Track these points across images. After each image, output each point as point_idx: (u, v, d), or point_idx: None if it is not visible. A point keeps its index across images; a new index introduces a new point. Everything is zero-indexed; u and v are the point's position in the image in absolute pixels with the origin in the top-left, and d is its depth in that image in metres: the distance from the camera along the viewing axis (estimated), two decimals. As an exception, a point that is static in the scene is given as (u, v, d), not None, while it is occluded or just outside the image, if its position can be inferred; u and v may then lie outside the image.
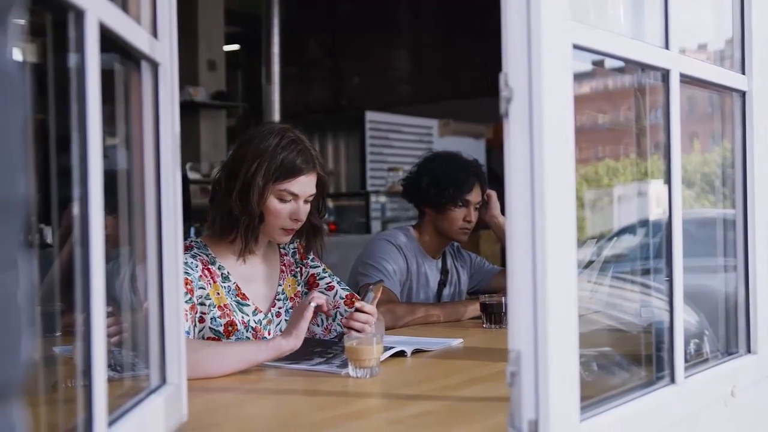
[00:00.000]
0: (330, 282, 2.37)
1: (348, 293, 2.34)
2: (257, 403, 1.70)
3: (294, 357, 2.02)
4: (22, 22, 0.63)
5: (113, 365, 1.34)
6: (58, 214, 1.06)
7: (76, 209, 0.98)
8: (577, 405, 1.21)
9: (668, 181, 1.50)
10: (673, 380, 1.49)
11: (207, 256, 2.19)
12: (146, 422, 1.21)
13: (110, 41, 1.10)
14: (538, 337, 1.15)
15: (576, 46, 1.22)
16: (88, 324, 0.99)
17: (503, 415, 1.20)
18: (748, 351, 1.79)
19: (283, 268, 2.35)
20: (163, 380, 1.35)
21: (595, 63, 1.46)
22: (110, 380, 1.06)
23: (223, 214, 2.17)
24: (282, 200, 2.16)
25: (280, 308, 2.30)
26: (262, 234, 2.22)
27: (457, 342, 2.32)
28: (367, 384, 1.80)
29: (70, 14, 0.97)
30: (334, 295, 2.32)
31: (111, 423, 1.07)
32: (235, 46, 10.14)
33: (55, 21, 1.00)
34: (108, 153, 1.13)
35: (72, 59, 0.98)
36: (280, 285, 2.32)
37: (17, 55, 0.61)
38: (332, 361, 1.98)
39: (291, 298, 2.34)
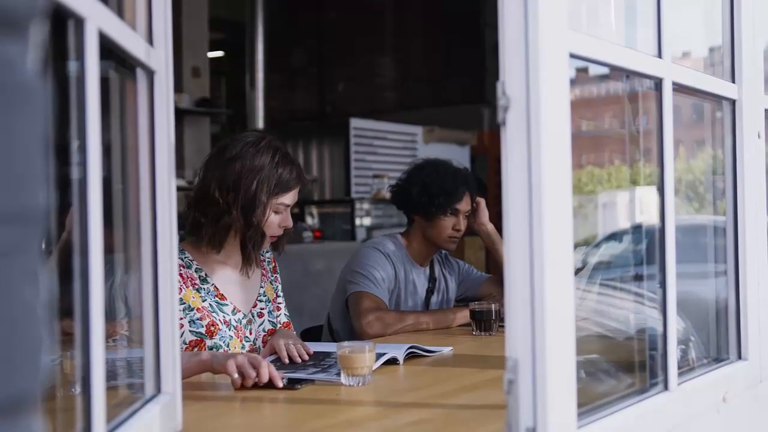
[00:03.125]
0: (280, 303, 2.47)
1: (287, 320, 2.45)
2: (251, 412, 1.69)
3: (288, 367, 2.01)
4: (42, 32, 0.63)
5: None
6: (56, 223, 1.05)
7: (75, 218, 0.98)
8: (575, 412, 1.21)
9: (661, 188, 1.51)
10: (666, 387, 1.50)
11: (182, 260, 2.20)
12: (142, 432, 1.20)
13: (106, 48, 1.09)
14: (535, 345, 1.15)
15: (573, 55, 1.23)
16: (87, 333, 0.98)
17: (499, 422, 1.20)
18: (739, 357, 1.80)
19: (264, 272, 2.42)
20: (158, 389, 1.34)
21: (579, 69, 1.46)
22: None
23: (221, 229, 2.21)
24: (277, 212, 2.25)
25: (262, 309, 2.36)
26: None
27: (447, 350, 2.32)
28: (359, 392, 1.80)
29: (70, 22, 0.97)
30: (277, 317, 2.41)
31: (108, 433, 1.06)
32: (220, 53, 10.13)
33: (54, 28, 1.00)
34: (102, 160, 1.13)
35: (71, 66, 0.98)
36: (261, 287, 2.39)
37: (37, 65, 0.61)
38: (328, 371, 1.97)
39: (272, 300, 2.41)
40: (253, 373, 1.79)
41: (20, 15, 0.58)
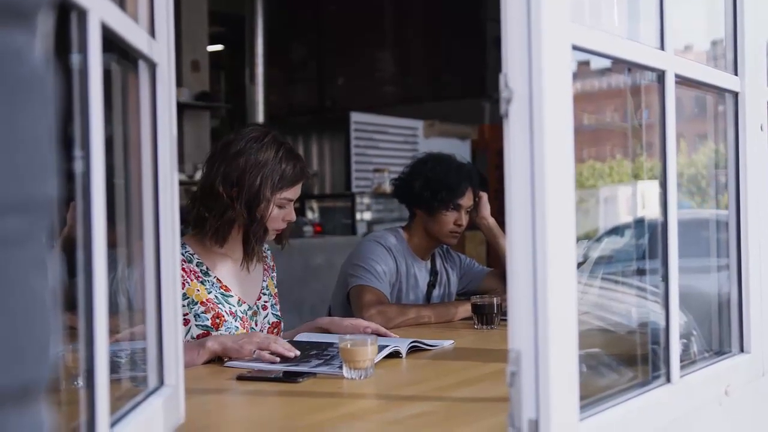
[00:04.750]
0: (275, 302, 2.47)
1: (276, 320, 2.43)
2: (253, 404, 1.69)
3: (290, 359, 2.01)
4: (50, 21, 0.63)
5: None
6: (58, 218, 1.05)
7: (78, 211, 0.97)
8: (577, 404, 1.21)
9: (664, 181, 1.51)
10: (668, 380, 1.50)
11: (183, 255, 2.22)
12: (146, 424, 1.20)
13: (109, 41, 1.09)
14: (538, 337, 1.15)
15: (575, 47, 1.23)
16: (90, 326, 0.98)
17: (501, 415, 1.20)
18: (741, 351, 1.80)
19: (265, 267, 2.45)
20: (161, 382, 1.34)
21: (581, 63, 1.46)
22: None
23: (225, 223, 2.21)
24: (280, 207, 2.27)
25: (265, 302, 2.39)
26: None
27: (449, 343, 2.33)
28: (361, 385, 1.80)
29: (73, 14, 0.96)
30: (265, 317, 2.40)
31: (112, 425, 1.06)
32: (219, 47, 10.12)
33: (57, 20, 1.00)
34: (104, 154, 1.13)
35: (74, 59, 0.98)
36: (264, 281, 2.41)
37: (46, 55, 0.61)
38: (331, 362, 1.97)
39: (274, 295, 2.44)
40: (279, 348, 2.00)
41: (28, 5, 0.58)
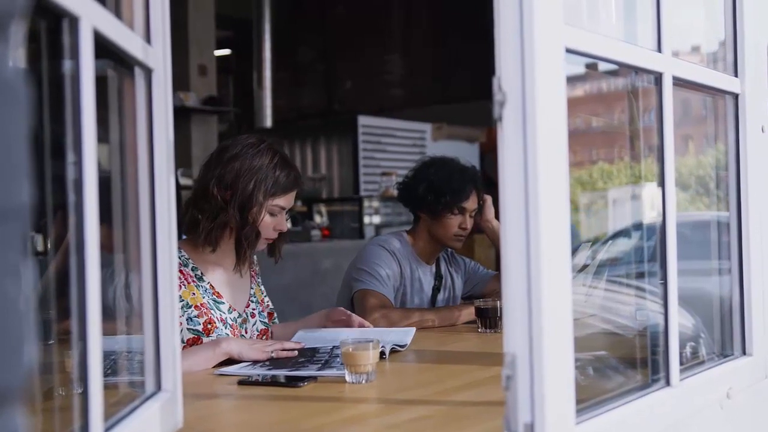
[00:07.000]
0: (262, 309, 2.47)
1: (264, 328, 2.44)
2: (252, 409, 1.70)
3: (283, 366, 2.00)
4: (23, 30, 0.64)
5: (106, 371, 1.33)
6: (52, 222, 1.06)
7: (71, 217, 0.98)
8: (573, 408, 1.21)
9: (662, 183, 1.50)
10: (668, 383, 1.50)
11: (179, 259, 2.23)
12: (142, 429, 1.21)
13: (103, 47, 1.10)
14: (533, 341, 1.15)
15: (569, 50, 1.22)
16: (84, 332, 0.99)
17: (499, 419, 1.20)
18: (743, 353, 1.79)
19: (253, 274, 2.46)
20: (159, 387, 1.34)
21: (588, 66, 1.46)
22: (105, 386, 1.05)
23: (217, 226, 2.23)
24: (272, 214, 2.29)
25: (253, 309, 2.41)
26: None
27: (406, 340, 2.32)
28: (362, 389, 1.80)
29: (65, 21, 0.97)
30: (254, 325, 2.40)
31: (107, 430, 1.07)
32: (227, 51, 10.14)
33: (49, 27, 1.00)
34: (101, 160, 1.13)
35: (66, 65, 0.98)
36: (251, 288, 2.43)
37: (19, 63, 0.62)
38: (331, 365, 1.98)
39: (261, 302, 2.45)
40: (289, 345, 2.14)
41: (1, 14, 0.58)
